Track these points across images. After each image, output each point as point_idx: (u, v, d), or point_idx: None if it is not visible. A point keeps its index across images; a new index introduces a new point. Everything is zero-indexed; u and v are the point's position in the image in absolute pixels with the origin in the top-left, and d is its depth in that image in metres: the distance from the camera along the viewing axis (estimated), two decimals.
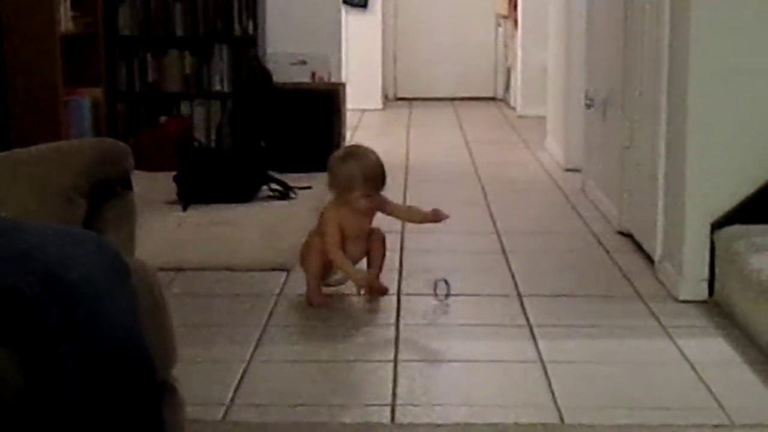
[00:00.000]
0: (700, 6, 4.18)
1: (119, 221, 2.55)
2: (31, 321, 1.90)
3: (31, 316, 1.90)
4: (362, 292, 4.29)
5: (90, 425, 1.91)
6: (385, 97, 11.54)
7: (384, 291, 4.37)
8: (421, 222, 4.47)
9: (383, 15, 11.37)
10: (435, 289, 4.28)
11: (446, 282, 4.28)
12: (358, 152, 4.38)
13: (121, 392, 1.94)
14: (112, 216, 2.54)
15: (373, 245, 4.38)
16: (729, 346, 3.76)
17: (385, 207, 4.39)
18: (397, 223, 5.40)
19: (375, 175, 4.26)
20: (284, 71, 7.53)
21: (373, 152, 4.36)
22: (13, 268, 1.94)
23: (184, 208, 5.91)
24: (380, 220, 4.49)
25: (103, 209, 2.52)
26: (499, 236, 5.39)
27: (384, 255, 4.42)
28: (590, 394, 3.35)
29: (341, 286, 4.39)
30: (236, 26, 7.50)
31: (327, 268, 4.32)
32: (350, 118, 8.65)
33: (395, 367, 3.57)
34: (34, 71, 6.29)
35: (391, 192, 5.68)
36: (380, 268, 4.41)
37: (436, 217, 4.34)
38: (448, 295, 4.26)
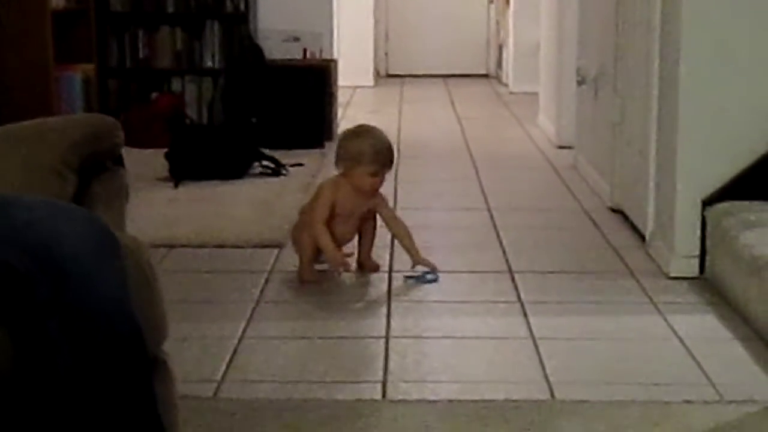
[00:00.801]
0: None
1: (110, 196, 2.54)
2: (22, 296, 1.90)
3: (22, 291, 1.90)
4: (337, 272, 4.28)
5: (80, 400, 1.91)
6: (377, 74, 11.54)
7: (376, 268, 4.38)
8: (405, 249, 4.36)
9: None
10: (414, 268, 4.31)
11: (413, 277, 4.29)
12: (371, 130, 4.38)
13: (111, 367, 1.94)
14: (102, 191, 2.53)
15: (364, 223, 4.38)
16: (719, 322, 3.77)
17: (381, 206, 4.37)
18: (389, 201, 5.41)
19: (384, 154, 4.26)
20: (276, 48, 7.52)
21: (384, 133, 4.37)
22: (3, 243, 1.94)
23: (176, 185, 5.91)
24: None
25: (94, 184, 2.52)
26: (490, 212, 5.40)
27: (375, 232, 4.42)
28: (581, 370, 3.35)
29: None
30: (228, 2, 7.48)
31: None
32: (342, 95, 8.64)
33: (387, 343, 3.58)
34: (25, 47, 6.27)
35: None
36: (371, 246, 4.41)
37: (424, 263, 4.29)
38: (411, 277, 4.26)
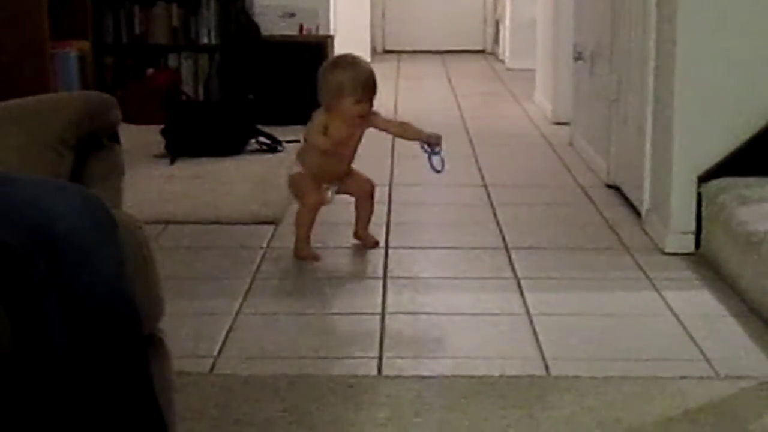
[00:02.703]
0: None
1: (106, 174, 2.54)
2: (18, 274, 1.91)
3: (19, 270, 1.91)
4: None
5: (76, 377, 1.92)
6: (374, 50, 11.50)
7: (375, 243, 4.38)
8: (412, 139, 4.36)
9: None
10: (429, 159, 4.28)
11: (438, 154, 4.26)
12: (349, 60, 4.34)
13: (107, 344, 1.95)
14: (99, 169, 2.53)
15: (360, 199, 4.37)
16: (715, 298, 3.78)
17: (377, 120, 4.32)
18: (385, 177, 5.43)
19: (366, 81, 4.21)
20: (272, 24, 7.50)
21: (364, 60, 4.35)
22: (0, 222, 1.94)
23: (172, 162, 5.91)
24: (370, 174, 4.49)
25: (90, 162, 2.52)
26: (486, 189, 5.40)
27: (372, 208, 4.42)
28: (576, 346, 3.36)
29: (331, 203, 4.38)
30: None
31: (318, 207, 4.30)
32: None
33: (382, 319, 3.58)
34: (20, 24, 6.25)
35: (379, 146, 5.69)
36: (368, 220, 4.41)
37: (429, 138, 4.28)
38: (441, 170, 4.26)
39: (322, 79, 4.25)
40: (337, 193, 4.37)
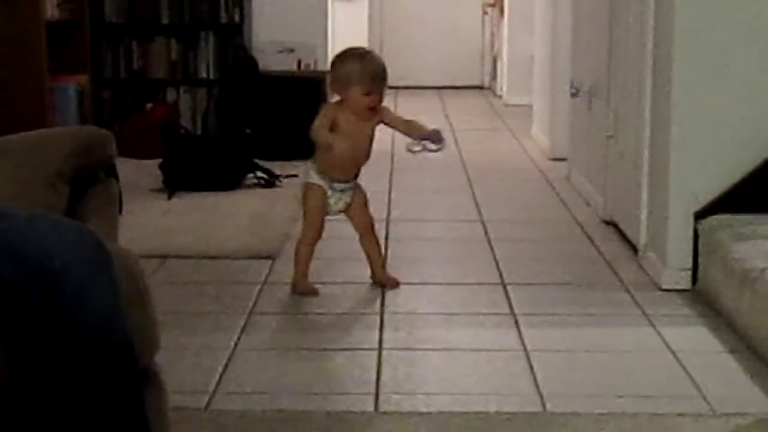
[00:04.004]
0: None
1: (102, 208, 2.55)
2: (13, 308, 1.91)
3: (14, 304, 1.91)
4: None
5: (71, 411, 1.92)
6: None
7: (395, 283, 4.32)
8: (417, 138, 4.30)
9: (370, 3, 11.36)
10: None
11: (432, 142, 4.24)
12: (359, 52, 4.32)
13: (102, 379, 1.95)
14: (94, 203, 2.54)
15: (362, 235, 4.33)
16: (711, 334, 3.78)
17: (386, 115, 4.30)
18: (383, 212, 5.42)
19: (376, 72, 4.19)
20: (271, 59, 7.53)
21: (374, 52, 4.34)
22: None
23: (170, 196, 5.91)
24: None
25: (86, 196, 2.53)
26: (483, 224, 5.40)
27: (378, 244, 4.38)
28: (573, 383, 3.36)
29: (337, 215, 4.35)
30: (222, 13, 7.49)
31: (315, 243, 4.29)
32: None
33: (379, 355, 3.58)
34: (19, 58, 6.27)
35: (376, 181, 5.70)
36: (380, 258, 4.38)
37: (435, 135, 4.26)
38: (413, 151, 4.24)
39: (332, 69, 4.26)
40: (344, 210, 4.33)
